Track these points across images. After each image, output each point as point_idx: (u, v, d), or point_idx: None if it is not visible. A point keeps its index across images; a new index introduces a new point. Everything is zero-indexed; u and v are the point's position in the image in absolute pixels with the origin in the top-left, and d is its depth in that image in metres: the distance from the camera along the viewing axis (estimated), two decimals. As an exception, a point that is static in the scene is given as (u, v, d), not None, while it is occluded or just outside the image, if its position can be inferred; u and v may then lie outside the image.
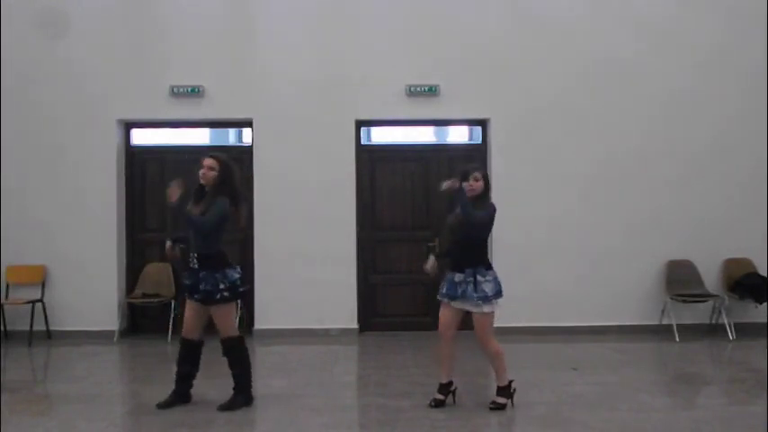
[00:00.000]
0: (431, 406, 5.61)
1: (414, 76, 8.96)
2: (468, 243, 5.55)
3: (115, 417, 5.60)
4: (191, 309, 5.63)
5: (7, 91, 8.76)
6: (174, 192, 5.35)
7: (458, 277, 5.51)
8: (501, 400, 5.61)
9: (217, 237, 5.52)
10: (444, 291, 5.61)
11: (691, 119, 9.00)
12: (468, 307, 5.52)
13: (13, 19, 8.79)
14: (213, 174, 5.49)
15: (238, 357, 5.69)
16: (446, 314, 5.64)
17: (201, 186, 5.55)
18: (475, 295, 5.44)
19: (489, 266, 5.58)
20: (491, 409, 5.55)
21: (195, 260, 5.50)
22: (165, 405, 5.60)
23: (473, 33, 8.97)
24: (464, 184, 5.47)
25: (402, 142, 9.32)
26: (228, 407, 5.58)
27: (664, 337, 8.52)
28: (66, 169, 8.84)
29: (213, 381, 6.06)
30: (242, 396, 5.68)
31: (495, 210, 5.61)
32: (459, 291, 5.49)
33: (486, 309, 5.49)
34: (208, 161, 5.53)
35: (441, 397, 5.68)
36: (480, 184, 5.55)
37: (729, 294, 8.73)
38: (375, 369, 7.03)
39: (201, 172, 5.51)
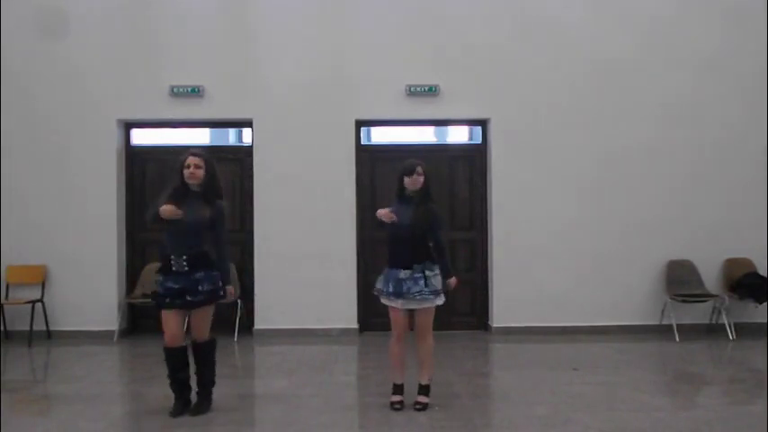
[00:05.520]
0: (395, 409, 5.50)
1: (414, 76, 8.96)
2: (417, 239, 5.46)
3: (115, 417, 5.60)
4: (174, 315, 5.34)
5: (7, 91, 8.77)
6: (171, 212, 5.21)
7: (403, 274, 5.41)
8: (426, 399, 5.56)
9: (206, 237, 5.41)
10: (391, 289, 5.42)
11: (691, 120, 9.00)
12: (411, 305, 5.44)
13: (13, 19, 8.79)
14: (201, 172, 5.33)
15: (214, 359, 5.59)
16: (402, 315, 5.51)
17: (184, 185, 5.35)
18: (427, 290, 5.40)
19: (434, 260, 5.52)
20: (417, 410, 5.48)
21: (185, 263, 5.28)
22: (177, 413, 5.40)
23: (473, 33, 8.98)
24: (406, 179, 5.46)
25: (402, 142, 9.31)
26: (205, 410, 5.47)
27: (664, 337, 8.52)
28: (66, 169, 8.84)
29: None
30: (210, 398, 5.57)
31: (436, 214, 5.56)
32: (405, 287, 5.40)
33: (439, 301, 5.48)
34: (195, 160, 5.34)
35: (401, 398, 5.59)
36: (422, 179, 5.49)
37: (729, 294, 8.73)
38: (375, 369, 7.01)
39: (189, 171, 5.30)
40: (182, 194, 5.35)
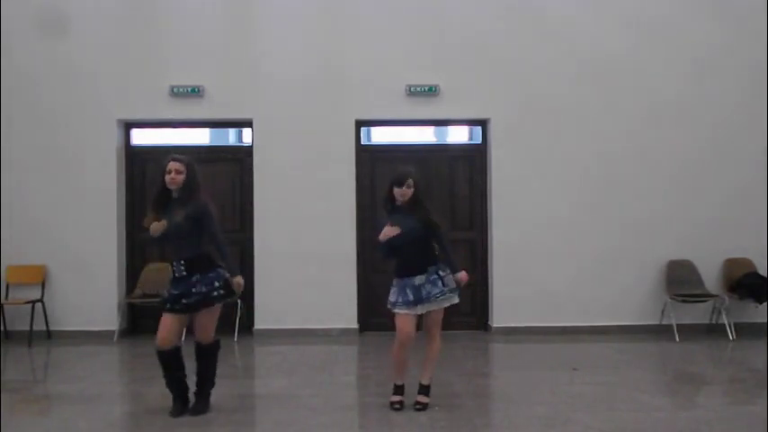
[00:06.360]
0: (395, 409, 5.50)
1: (414, 76, 8.96)
2: (423, 243, 5.48)
3: (115, 417, 5.60)
4: (173, 319, 5.35)
5: (8, 91, 8.76)
6: (157, 228, 5.26)
7: (418, 280, 5.41)
8: (426, 399, 5.57)
9: (202, 239, 5.40)
10: (411, 298, 5.40)
11: (691, 119, 9.00)
12: (434, 306, 5.44)
13: (14, 19, 8.78)
14: (182, 177, 5.32)
15: (216, 361, 5.58)
16: (409, 323, 5.47)
17: (166, 190, 5.35)
18: (446, 289, 5.43)
19: (442, 261, 5.54)
20: (417, 410, 5.48)
21: (182, 268, 5.31)
22: (177, 413, 5.40)
23: (473, 33, 8.98)
24: (395, 190, 5.46)
25: (402, 142, 9.31)
26: (203, 410, 5.47)
27: (664, 337, 8.52)
28: (66, 169, 8.84)
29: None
30: (208, 398, 5.58)
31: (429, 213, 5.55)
32: (424, 293, 5.41)
33: (456, 299, 5.52)
34: (176, 165, 5.33)
35: (401, 398, 5.60)
36: (411, 191, 5.48)
37: (729, 294, 8.73)
38: (375, 369, 7.02)
39: (170, 177, 5.30)
40: (165, 200, 5.37)
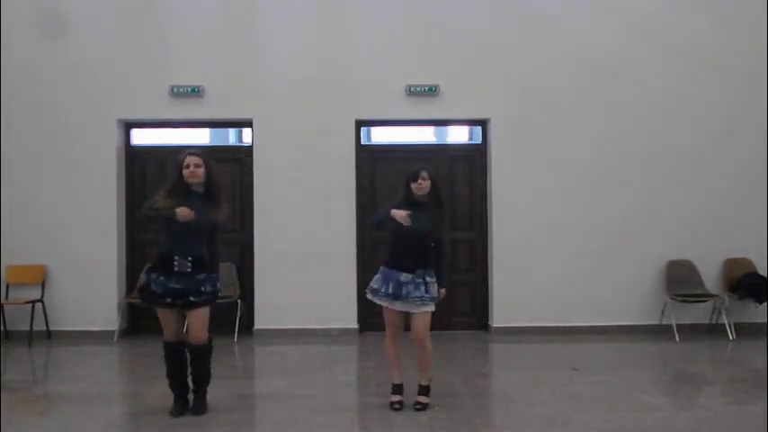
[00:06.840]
0: (395, 409, 5.51)
1: (414, 76, 8.96)
2: (424, 245, 5.48)
3: (115, 417, 5.60)
4: (171, 314, 5.37)
5: (8, 91, 8.76)
6: (187, 214, 5.22)
7: (404, 277, 5.42)
8: (426, 399, 5.58)
9: (206, 239, 5.40)
10: (390, 290, 5.44)
11: (691, 118, 9.00)
12: (411, 308, 5.44)
13: (14, 19, 8.79)
14: (202, 170, 5.33)
15: (210, 359, 5.57)
16: (394, 314, 5.53)
17: (183, 184, 5.34)
18: (427, 296, 5.42)
19: (433, 267, 5.54)
20: (417, 410, 5.49)
21: (189, 264, 5.28)
22: (177, 413, 5.42)
23: (473, 33, 8.98)
24: (412, 185, 5.47)
25: (402, 142, 9.32)
26: (203, 409, 5.48)
27: (664, 337, 8.53)
28: (66, 169, 8.84)
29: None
30: (205, 396, 5.58)
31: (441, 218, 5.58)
32: (404, 291, 5.42)
33: (432, 308, 5.49)
34: (194, 159, 5.33)
35: (400, 398, 5.61)
36: (428, 183, 5.50)
37: (729, 294, 8.73)
38: (375, 369, 7.01)
39: (189, 170, 5.29)
40: (182, 194, 5.33)
